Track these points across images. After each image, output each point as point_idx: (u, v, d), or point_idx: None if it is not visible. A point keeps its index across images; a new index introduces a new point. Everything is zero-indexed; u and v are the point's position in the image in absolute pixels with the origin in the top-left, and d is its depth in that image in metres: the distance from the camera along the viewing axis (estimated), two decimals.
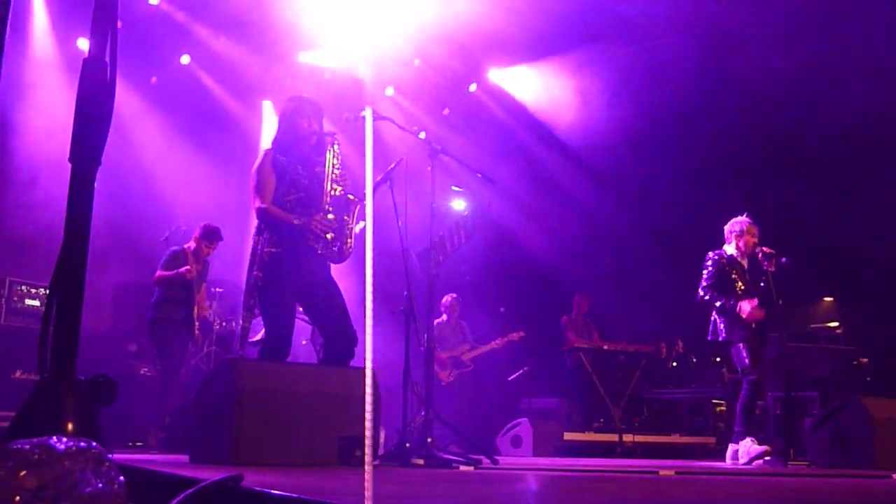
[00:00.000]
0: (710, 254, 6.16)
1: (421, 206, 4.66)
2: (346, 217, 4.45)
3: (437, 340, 7.82)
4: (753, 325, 5.90)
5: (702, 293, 6.04)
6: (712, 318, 6.14)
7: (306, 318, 4.95)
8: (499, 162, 9.70)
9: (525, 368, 8.60)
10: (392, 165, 4.54)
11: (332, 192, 4.39)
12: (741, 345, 5.89)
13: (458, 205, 8.81)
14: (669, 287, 8.75)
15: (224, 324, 8.07)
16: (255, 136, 9.81)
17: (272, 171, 4.35)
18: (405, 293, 4.51)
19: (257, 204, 4.32)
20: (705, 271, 6.08)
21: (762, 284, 5.99)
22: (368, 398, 1.33)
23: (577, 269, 10.69)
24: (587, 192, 10.24)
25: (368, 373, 1.32)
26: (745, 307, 5.86)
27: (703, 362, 8.74)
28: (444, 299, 8.76)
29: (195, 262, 6.69)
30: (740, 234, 6.13)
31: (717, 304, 5.95)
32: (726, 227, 6.25)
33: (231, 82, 9.33)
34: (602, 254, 10.19)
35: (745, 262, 6.14)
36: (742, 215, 6.22)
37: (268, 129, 9.75)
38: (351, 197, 4.46)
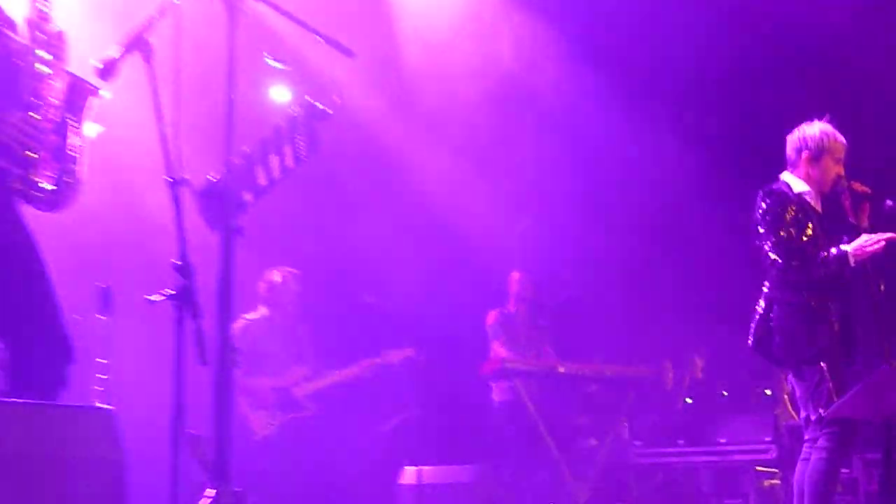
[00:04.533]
0: (766, 190, 6.26)
1: (209, 98, 4.66)
2: (69, 121, 4.43)
3: (248, 357, 7.84)
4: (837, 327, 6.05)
5: (784, 257, 6.01)
6: (761, 312, 6.30)
7: None
8: (361, 14, 9.67)
9: (411, 412, 8.74)
10: (148, 19, 4.49)
11: (42, 71, 4.40)
12: (823, 365, 6.00)
13: (281, 94, 8.74)
14: (675, 271, 9.01)
15: None
16: None
17: None
18: (176, 263, 4.50)
19: None
20: (767, 220, 6.12)
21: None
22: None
23: (515, 227, 10.87)
24: (545, 97, 10.38)
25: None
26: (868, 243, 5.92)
27: (742, 395, 9.08)
28: (265, 277, 8.77)
29: None
30: (817, 154, 6.26)
31: (824, 269, 5.96)
32: (790, 141, 6.39)
33: None
34: (566, 208, 10.39)
35: (818, 206, 6.31)
36: (821, 120, 6.32)
37: None
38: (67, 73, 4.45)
